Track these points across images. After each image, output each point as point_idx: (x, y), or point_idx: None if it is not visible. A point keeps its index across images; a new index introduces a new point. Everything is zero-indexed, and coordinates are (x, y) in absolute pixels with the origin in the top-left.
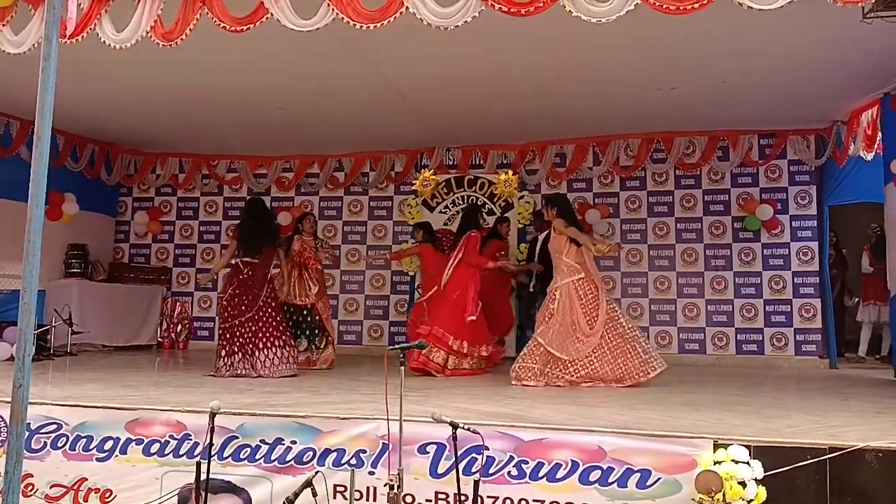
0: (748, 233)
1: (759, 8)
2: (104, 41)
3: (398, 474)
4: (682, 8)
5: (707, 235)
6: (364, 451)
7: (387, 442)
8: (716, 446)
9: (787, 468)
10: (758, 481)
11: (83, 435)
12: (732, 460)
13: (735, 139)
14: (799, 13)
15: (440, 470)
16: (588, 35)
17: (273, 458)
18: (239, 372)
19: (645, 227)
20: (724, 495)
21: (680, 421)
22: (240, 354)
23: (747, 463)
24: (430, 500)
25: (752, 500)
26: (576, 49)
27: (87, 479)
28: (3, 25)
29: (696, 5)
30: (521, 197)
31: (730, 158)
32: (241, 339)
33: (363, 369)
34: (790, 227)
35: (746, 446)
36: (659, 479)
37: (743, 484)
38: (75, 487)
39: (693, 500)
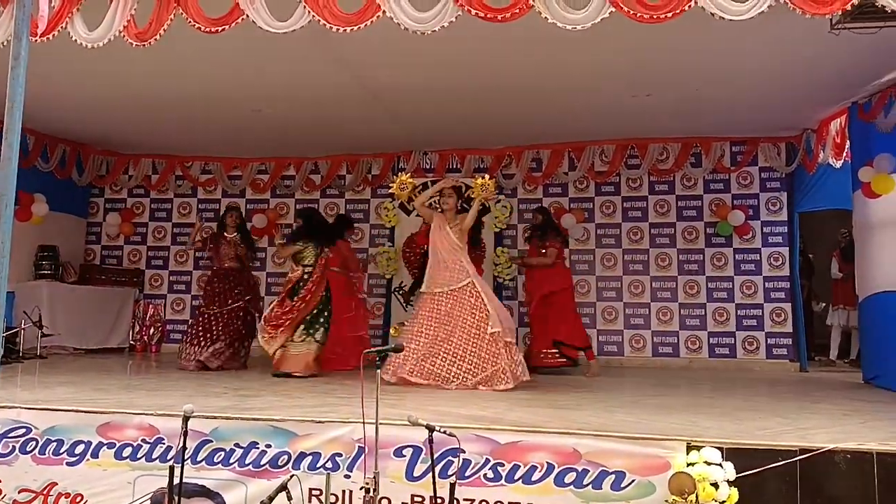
0: (720, 238)
1: (730, 18)
2: (76, 40)
3: (374, 477)
4: (655, 17)
5: (680, 240)
6: (340, 455)
7: (363, 445)
8: (689, 448)
9: (759, 470)
10: (730, 483)
11: (53, 439)
12: (705, 462)
13: (708, 146)
14: (769, 24)
15: (416, 473)
16: (564, 42)
17: (247, 461)
18: None
19: (619, 232)
20: (696, 497)
21: (654, 423)
22: None
23: (720, 465)
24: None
25: (724, 502)
26: (552, 55)
27: (57, 484)
28: None
29: (669, 14)
30: (498, 201)
31: (702, 165)
32: None
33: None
34: (761, 232)
35: (719, 448)
36: (633, 480)
37: (715, 485)
38: (45, 492)
39: (666, 501)
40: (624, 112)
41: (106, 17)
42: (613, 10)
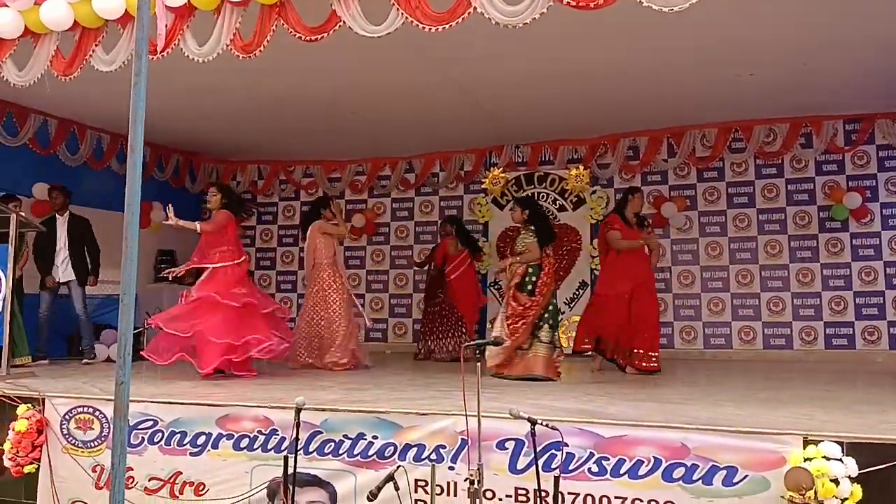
0: (835, 222)
1: None
2: (188, 55)
3: (478, 469)
4: None
5: (791, 226)
6: (443, 447)
7: (465, 437)
8: (805, 443)
9: (885, 465)
10: (852, 479)
11: (177, 431)
12: (824, 457)
13: (818, 125)
14: None
15: (519, 466)
16: (660, 24)
17: (356, 452)
18: None
19: (725, 220)
20: (815, 493)
21: (766, 417)
22: None
23: (840, 460)
24: (511, 496)
25: (846, 499)
26: (647, 39)
27: (181, 473)
28: (96, 45)
29: None
30: (594, 192)
31: (813, 145)
32: None
33: (430, 365)
34: (881, 215)
35: (839, 443)
36: (746, 476)
37: (836, 482)
38: (171, 480)
39: (782, 497)
40: (726, 93)
41: (213, 32)
42: None
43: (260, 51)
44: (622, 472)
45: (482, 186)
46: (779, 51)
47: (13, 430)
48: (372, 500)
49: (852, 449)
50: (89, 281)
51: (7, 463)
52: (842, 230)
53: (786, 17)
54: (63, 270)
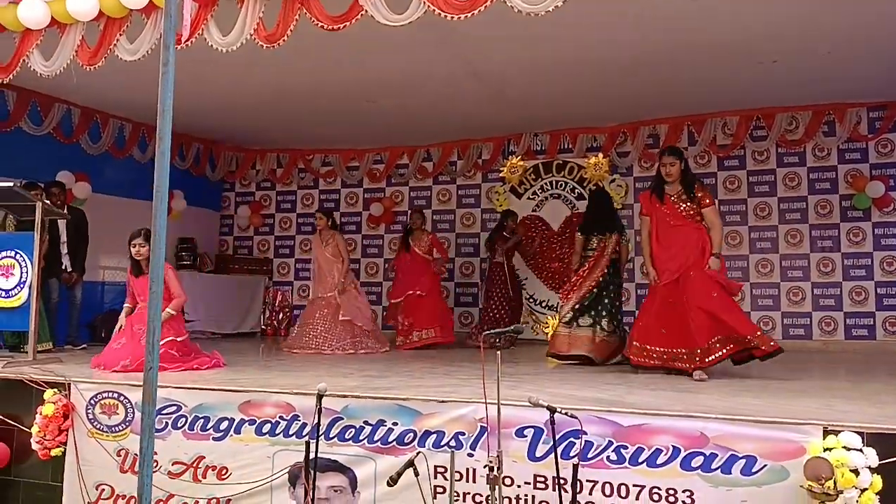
0: (857, 211)
1: None
2: (212, 45)
3: (497, 457)
4: None
5: (813, 215)
6: (463, 434)
7: (485, 425)
8: (825, 433)
9: None
10: (872, 469)
11: (200, 416)
12: (844, 447)
13: (842, 113)
14: None
15: (538, 453)
16: (682, 11)
17: (376, 438)
18: None
19: (745, 208)
20: (835, 483)
21: (786, 407)
22: None
23: (860, 450)
24: (529, 483)
25: (865, 489)
26: (669, 26)
27: (204, 457)
28: (121, 35)
29: None
30: (613, 180)
31: (836, 133)
32: None
33: (454, 354)
34: None
35: (859, 433)
36: (765, 465)
37: (856, 472)
38: (194, 465)
39: (801, 486)
40: (748, 81)
41: (237, 22)
42: None
43: (284, 40)
44: (641, 460)
45: (500, 175)
46: (802, 38)
47: (40, 413)
48: (392, 486)
49: (873, 439)
50: (73, 277)
51: (35, 446)
52: (864, 219)
53: (810, 5)
54: (67, 262)
